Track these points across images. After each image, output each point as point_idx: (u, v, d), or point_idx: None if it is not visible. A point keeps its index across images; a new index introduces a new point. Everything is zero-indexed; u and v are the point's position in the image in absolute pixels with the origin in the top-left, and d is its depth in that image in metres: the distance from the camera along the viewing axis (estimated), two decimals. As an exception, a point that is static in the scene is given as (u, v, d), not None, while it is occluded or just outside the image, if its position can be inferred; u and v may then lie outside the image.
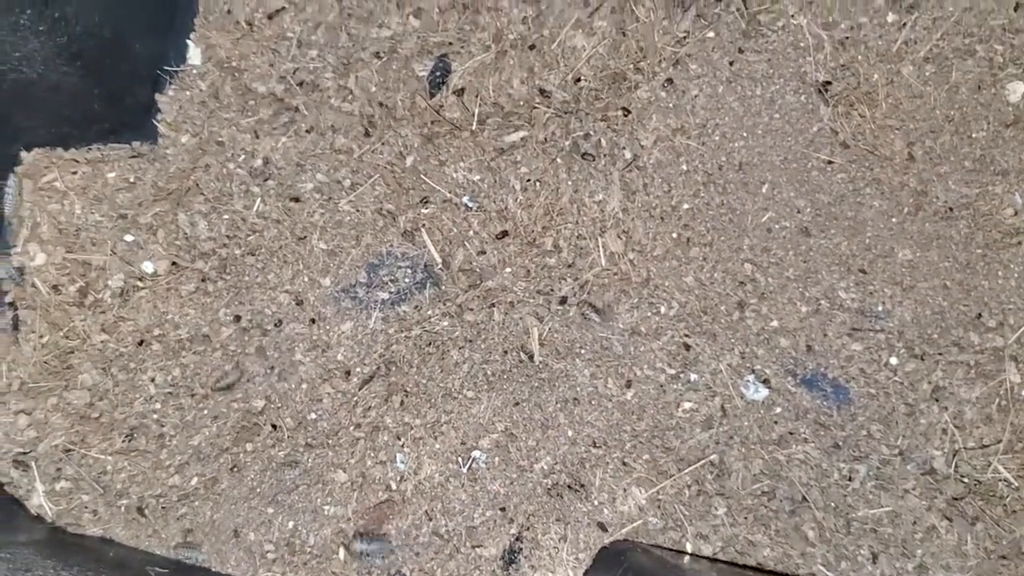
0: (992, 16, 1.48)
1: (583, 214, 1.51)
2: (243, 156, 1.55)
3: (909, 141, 1.47)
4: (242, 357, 1.47)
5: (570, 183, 1.52)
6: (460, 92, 1.56)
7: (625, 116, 1.53)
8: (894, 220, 1.45)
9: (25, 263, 1.51)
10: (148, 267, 1.52)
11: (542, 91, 1.56)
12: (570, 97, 1.55)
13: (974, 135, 1.46)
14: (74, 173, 1.54)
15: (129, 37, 1.54)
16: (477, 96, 1.56)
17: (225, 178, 1.54)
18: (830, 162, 1.47)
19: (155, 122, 1.57)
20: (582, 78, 1.55)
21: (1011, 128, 1.45)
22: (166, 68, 1.58)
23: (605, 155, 1.53)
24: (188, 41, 1.60)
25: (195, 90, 1.58)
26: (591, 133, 1.53)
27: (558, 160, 1.53)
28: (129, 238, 1.52)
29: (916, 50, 1.49)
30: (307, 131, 1.56)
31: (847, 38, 1.50)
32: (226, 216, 1.53)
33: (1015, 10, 1.48)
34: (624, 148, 1.53)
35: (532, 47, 1.56)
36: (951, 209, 1.45)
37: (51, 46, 1.42)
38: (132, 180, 1.53)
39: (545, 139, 1.53)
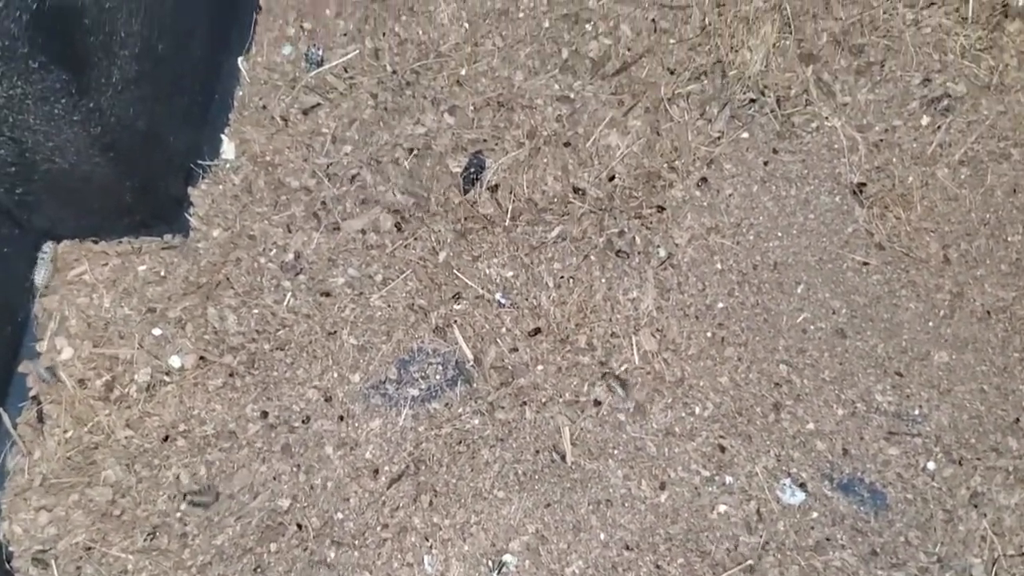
0: (1027, 119, 2.04)
1: (617, 312, 2.05)
2: (275, 250, 2.09)
3: (944, 244, 2.00)
4: (267, 455, 1.99)
5: (604, 280, 2.06)
6: (494, 188, 2.12)
7: (659, 214, 2.08)
8: (930, 323, 1.97)
9: (52, 357, 2.06)
10: (175, 361, 2.05)
11: (576, 188, 2.12)
12: (604, 195, 2.11)
13: (1010, 238, 2.00)
14: (104, 265, 2.09)
15: (163, 130, 2.10)
16: (511, 192, 2.12)
17: (256, 272, 2.08)
18: (865, 263, 2.00)
19: (187, 215, 2.09)
20: (616, 176, 2.11)
21: (1047, 232, 1.99)
22: (199, 161, 2.12)
23: (639, 253, 2.07)
24: (222, 135, 2.14)
25: (228, 184, 2.14)
26: (625, 231, 2.08)
27: (592, 257, 2.07)
28: (157, 332, 2.06)
29: (951, 153, 2.04)
30: (336, 227, 2.12)
31: (881, 140, 2.06)
32: (256, 311, 2.07)
33: (1050, 114, 2.04)
34: (658, 246, 2.07)
35: (567, 144, 2.13)
36: (988, 312, 1.97)
37: (84, 137, 1.94)
38: (162, 274, 2.08)
39: (579, 236, 2.08)
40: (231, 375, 2.02)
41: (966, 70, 2.05)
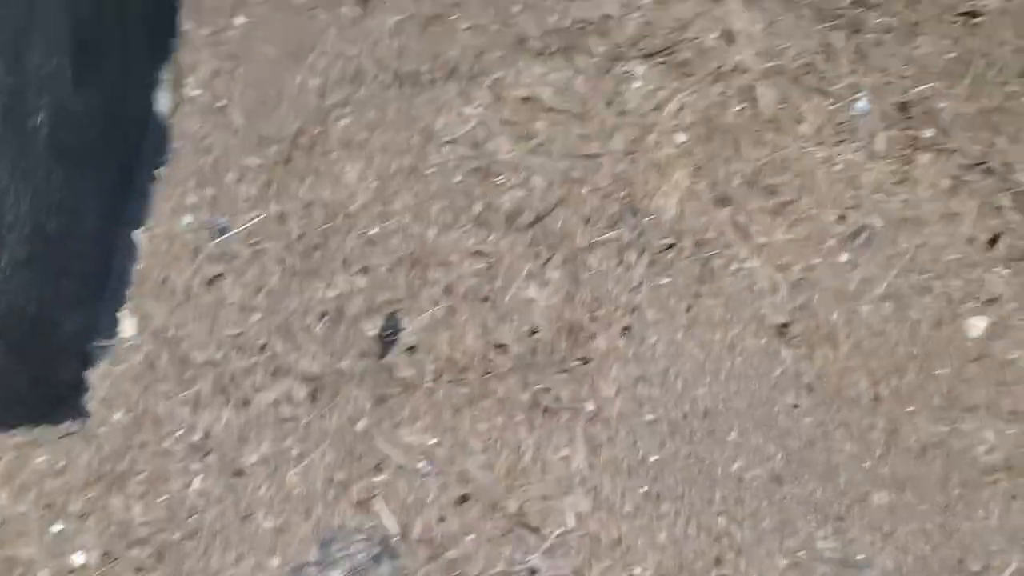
0: (946, 251, 2.41)
1: (547, 472, 2.31)
2: (181, 431, 2.33)
3: (874, 380, 2.32)
4: (181, 654, 2.20)
5: (532, 440, 2.34)
6: (412, 349, 2.41)
7: (584, 367, 2.38)
8: (867, 463, 2.27)
9: (-58, 562, 2.25)
10: (78, 559, 2.23)
11: (497, 345, 2.41)
12: (527, 350, 2.41)
13: (938, 372, 2.33)
14: (-2, 459, 2.33)
15: (57, 312, 2.32)
16: (430, 353, 2.40)
17: (162, 456, 2.31)
18: (796, 405, 2.31)
19: (86, 400, 2.35)
20: (538, 330, 2.42)
21: (975, 363, 2.31)
22: (97, 342, 2.35)
23: (567, 409, 2.36)
24: (121, 312, 2.38)
25: (128, 363, 2.37)
26: (551, 386, 2.36)
27: (518, 416, 2.35)
28: (58, 528, 2.26)
29: (873, 288, 2.39)
30: (246, 402, 2.39)
31: (802, 279, 2.40)
32: (163, 497, 2.29)
33: (968, 244, 2.41)
34: (586, 400, 2.36)
35: (485, 300, 2.44)
36: (924, 449, 2.28)
37: (-30, 327, 2.20)
38: (62, 464, 2.30)
39: (504, 395, 2.37)
40: (138, 570, 2.21)
41: (881, 205, 2.42)
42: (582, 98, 2.50)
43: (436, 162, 2.51)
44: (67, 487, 2.25)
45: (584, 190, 2.45)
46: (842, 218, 2.41)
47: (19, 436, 2.32)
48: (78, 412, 2.34)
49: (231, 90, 2.64)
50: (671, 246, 2.40)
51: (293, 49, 2.65)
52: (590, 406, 2.32)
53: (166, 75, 2.57)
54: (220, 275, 2.44)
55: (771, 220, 2.40)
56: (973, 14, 2.49)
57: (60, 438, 2.31)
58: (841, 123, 2.45)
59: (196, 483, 2.27)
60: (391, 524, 2.23)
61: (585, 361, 2.34)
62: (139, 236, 2.49)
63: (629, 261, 2.40)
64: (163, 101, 2.59)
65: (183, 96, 2.61)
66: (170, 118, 2.59)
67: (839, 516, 2.22)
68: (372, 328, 2.39)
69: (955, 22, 2.48)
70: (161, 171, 2.56)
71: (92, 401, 2.35)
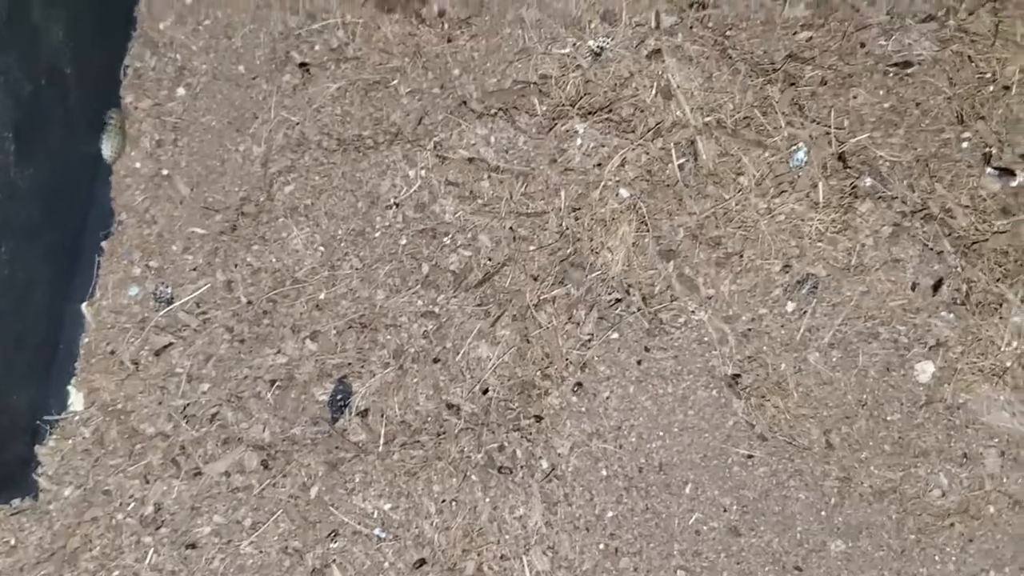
0: (890, 297, 2.52)
1: (505, 532, 2.39)
2: (132, 504, 2.38)
3: (825, 428, 2.43)
4: None
5: (488, 500, 2.41)
6: (364, 413, 2.48)
7: (538, 424, 2.47)
8: (822, 512, 2.36)
9: None
10: (29, 638, 2.31)
11: (450, 405, 2.50)
12: (479, 409, 2.49)
13: (889, 418, 2.43)
14: (-55, 541, 2.37)
15: (4, 389, 2.40)
16: (382, 416, 2.48)
17: (114, 530, 2.36)
18: (750, 456, 2.40)
19: (35, 477, 2.39)
20: (490, 389, 2.50)
21: (924, 408, 2.41)
22: (46, 417, 2.40)
23: (522, 467, 2.44)
24: (69, 386, 2.44)
25: (78, 438, 2.44)
26: (505, 445, 2.45)
27: (473, 476, 2.43)
28: (8, 607, 2.32)
29: (820, 336, 2.50)
30: (198, 473, 2.45)
31: (750, 330, 2.50)
32: (116, 572, 2.33)
33: (912, 289, 2.53)
34: (541, 458, 2.45)
35: (436, 361, 2.53)
36: (878, 495, 2.37)
37: (-85, 404, 2.27)
38: (12, 543, 2.34)
39: (457, 455, 2.44)
40: (91, 648, 2.27)
41: (824, 253, 2.53)
42: (525, 157, 2.60)
43: (382, 225, 2.59)
44: (19, 565, 2.29)
45: (531, 248, 2.54)
46: (786, 268, 2.50)
47: (-33, 516, 2.35)
48: (28, 489, 2.39)
49: (175, 160, 2.73)
50: (619, 301, 2.49)
51: (236, 118, 2.75)
52: (545, 464, 2.39)
53: (109, 147, 2.64)
54: (168, 345, 2.50)
55: (717, 272, 2.50)
56: (906, 64, 2.62)
57: (11, 515, 2.35)
58: (781, 174, 2.55)
59: (149, 557, 2.32)
60: (348, 591, 2.28)
61: (538, 419, 2.42)
62: (85, 309, 2.54)
63: (578, 317, 2.49)
64: (106, 173, 2.67)
65: (126, 168, 2.69)
66: (114, 190, 2.66)
67: (797, 566, 2.30)
68: (323, 393, 2.46)
69: (888, 73, 2.61)
70: (106, 243, 2.63)
71: (42, 477, 2.39)
